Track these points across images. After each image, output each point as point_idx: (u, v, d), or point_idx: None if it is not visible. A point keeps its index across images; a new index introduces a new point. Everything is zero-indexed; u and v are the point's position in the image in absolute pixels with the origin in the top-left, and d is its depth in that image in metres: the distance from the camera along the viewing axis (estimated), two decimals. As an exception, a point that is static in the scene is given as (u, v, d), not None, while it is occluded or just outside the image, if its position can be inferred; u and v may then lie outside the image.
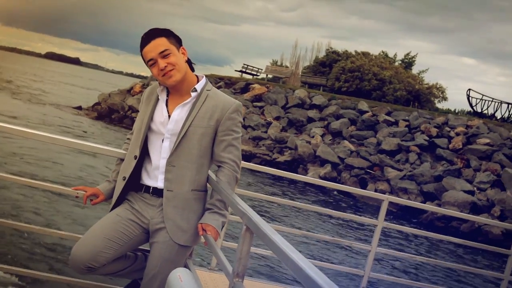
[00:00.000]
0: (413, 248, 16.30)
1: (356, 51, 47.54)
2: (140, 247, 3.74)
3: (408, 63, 49.96)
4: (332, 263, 9.86)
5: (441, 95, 44.14)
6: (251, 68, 43.82)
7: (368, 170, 25.50)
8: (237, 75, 43.07)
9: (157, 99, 3.64)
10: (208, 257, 8.46)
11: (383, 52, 50.18)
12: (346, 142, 28.00)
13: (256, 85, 35.86)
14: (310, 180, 5.91)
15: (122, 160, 3.78)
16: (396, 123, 29.58)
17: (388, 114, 30.76)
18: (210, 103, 3.50)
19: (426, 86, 44.00)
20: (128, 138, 3.90)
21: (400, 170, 25.01)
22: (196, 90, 3.53)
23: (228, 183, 3.46)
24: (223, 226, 3.43)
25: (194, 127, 3.44)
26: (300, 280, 1.88)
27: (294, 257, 1.98)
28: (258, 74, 44.41)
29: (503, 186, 22.47)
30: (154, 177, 3.56)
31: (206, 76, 3.70)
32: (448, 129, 27.59)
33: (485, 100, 34.89)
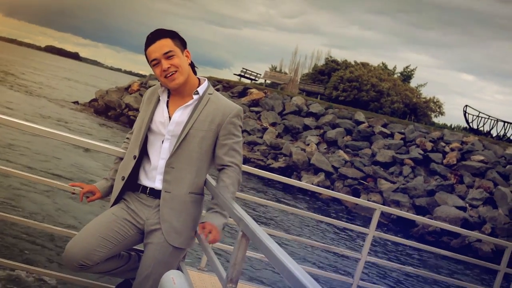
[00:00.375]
0: (403, 259, 16.31)
1: (355, 61, 47.57)
2: (134, 247, 3.75)
3: (407, 76, 50.02)
4: (321, 268, 9.87)
5: (438, 110, 44.20)
6: (250, 72, 43.84)
7: (361, 181, 25.51)
8: (235, 78, 43.09)
9: (158, 100, 3.65)
10: (193, 255, 8.44)
11: (382, 63, 50.26)
12: (341, 152, 28.01)
13: (254, 90, 35.87)
14: (305, 185, 5.92)
15: (121, 159, 3.79)
16: (391, 136, 29.60)
17: (384, 126, 30.79)
18: (212, 106, 3.52)
19: (423, 99, 44.05)
20: (127, 138, 3.91)
21: (393, 183, 25.03)
22: (198, 93, 3.55)
23: (232, 185, 3.46)
24: (223, 228, 3.39)
25: (195, 130, 3.45)
26: (295, 290, 1.89)
27: (291, 266, 1.99)
28: (257, 79, 44.43)
29: (495, 204, 22.50)
30: (152, 178, 3.57)
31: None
32: (443, 144, 27.62)
33: (482, 117, 34.94)
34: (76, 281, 4.10)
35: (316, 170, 26.25)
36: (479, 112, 35.23)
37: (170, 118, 3.53)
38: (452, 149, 26.98)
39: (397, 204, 23.07)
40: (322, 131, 30.89)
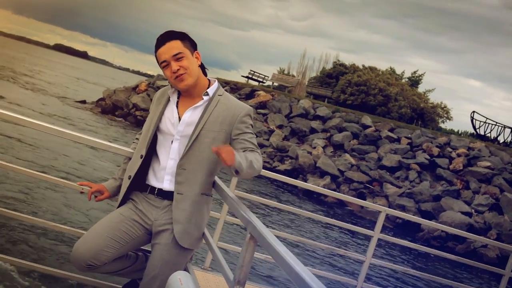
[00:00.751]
0: (408, 262, 16.29)
1: (363, 65, 47.55)
2: (141, 247, 3.76)
3: (415, 81, 49.97)
4: (326, 270, 9.87)
5: (445, 115, 44.12)
6: (258, 74, 43.80)
7: (367, 185, 25.50)
8: (243, 80, 43.07)
9: (168, 100, 3.66)
10: (200, 254, 8.45)
11: (390, 68, 50.24)
12: (347, 155, 27.99)
13: (261, 92, 35.87)
14: (311, 187, 5.92)
15: (130, 159, 3.80)
16: (398, 140, 29.56)
17: (391, 130, 30.77)
18: (222, 107, 3.52)
19: (431, 105, 43.96)
20: (136, 138, 3.92)
21: (399, 187, 25.01)
22: (208, 94, 3.55)
23: (252, 161, 3.25)
24: (238, 172, 3.10)
25: (206, 131, 3.46)
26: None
27: (298, 268, 2.01)
28: (264, 81, 44.39)
29: (501, 210, 22.47)
30: (160, 178, 3.58)
31: None
32: (449, 149, 27.58)
33: (489, 124, 34.87)
34: (83, 281, 4.12)
35: (322, 173, 26.24)
36: (487, 118, 35.18)
37: (180, 118, 3.54)
38: (458, 155, 26.93)
39: (402, 208, 23.05)
40: (328, 134, 30.88)
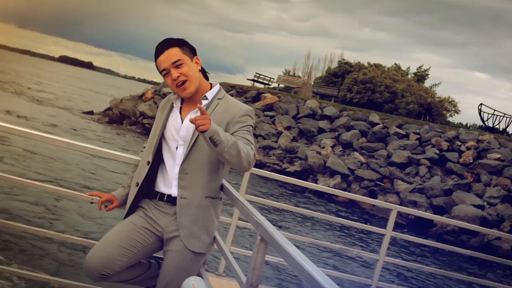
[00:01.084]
0: (422, 259, 16.24)
1: (368, 63, 47.49)
2: (154, 254, 3.76)
3: (421, 76, 49.84)
4: (339, 270, 9.86)
5: (453, 109, 43.97)
6: (263, 77, 43.87)
7: (378, 182, 25.46)
8: (249, 83, 43.12)
9: (172, 107, 3.67)
10: (214, 260, 8.46)
11: (396, 64, 50.11)
12: (356, 154, 27.97)
13: (267, 94, 35.88)
14: (321, 188, 5.92)
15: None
16: (407, 136, 29.52)
17: (399, 126, 30.72)
18: (220, 110, 3.50)
19: (438, 99, 43.84)
20: (144, 146, 3.93)
21: (410, 183, 24.95)
22: (207, 98, 3.55)
23: (240, 147, 3.16)
24: (216, 143, 3.01)
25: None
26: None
27: (310, 269, 2.00)
28: (270, 83, 44.45)
29: (513, 202, 22.39)
30: (168, 184, 3.57)
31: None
32: (459, 143, 27.52)
33: (497, 115, 34.78)
34: (97, 291, 4.12)
35: (332, 173, 26.22)
36: (494, 110, 35.09)
37: (182, 124, 3.55)
38: (468, 148, 26.87)
39: (414, 204, 22.99)
40: (337, 133, 30.88)
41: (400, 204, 23.19)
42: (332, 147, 29.32)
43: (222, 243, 3.57)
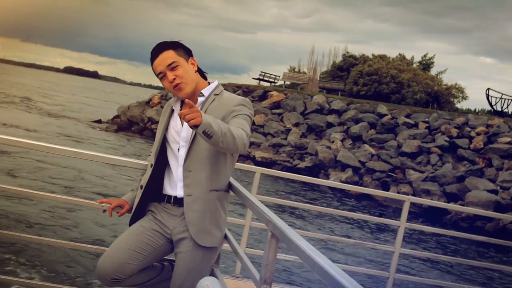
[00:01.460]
0: (438, 249, 16.20)
1: (373, 54, 47.45)
2: (166, 257, 3.76)
3: (426, 64, 49.73)
4: (355, 264, 9.85)
5: (460, 95, 43.84)
6: (269, 75, 43.86)
7: (389, 173, 25.41)
8: (255, 83, 43.17)
9: (172, 110, 3.69)
10: (232, 264, 8.48)
11: (400, 54, 50.02)
12: (366, 146, 27.92)
13: (274, 92, 35.88)
14: (332, 184, 5.93)
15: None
16: (416, 125, 29.44)
17: (408, 116, 30.65)
18: (216, 104, 3.51)
19: (445, 87, 43.72)
20: (151, 151, 3.95)
21: (422, 172, 24.88)
22: (203, 95, 3.56)
23: (231, 129, 3.09)
24: (210, 135, 2.91)
25: None
26: (329, 286, 1.88)
27: (321, 262, 1.98)
28: (276, 81, 44.44)
29: (527, 184, 22.29)
30: (174, 186, 3.58)
31: (224, 85, 3.69)
32: (468, 129, 27.41)
33: (505, 99, 34.59)
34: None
35: (344, 167, 26.20)
36: (502, 94, 34.89)
37: (182, 125, 3.56)
38: (478, 133, 26.76)
39: (427, 193, 22.93)
40: (345, 127, 30.85)
41: (413, 194, 23.17)
42: (342, 140, 29.29)
43: (235, 242, 3.57)
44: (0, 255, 8.72)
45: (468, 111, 38.97)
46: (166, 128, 3.66)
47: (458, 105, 44.46)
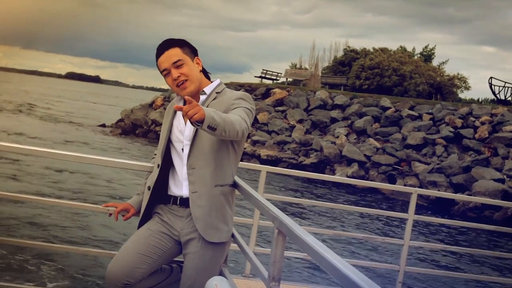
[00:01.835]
0: (447, 239, 16.18)
1: (374, 48, 47.38)
2: (175, 259, 3.75)
3: (427, 56, 49.62)
4: (365, 259, 9.86)
5: (463, 85, 43.77)
6: (271, 73, 43.80)
7: (395, 166, 25.38)
8: (257, 81, 43.13)
9: (175, 110, 3.67)
10: (243, 264, 8.48)
11: (401, 47, 49.93)
12: (371, 140, 27.89)
13: (276, 90, 35.85)
14: (338, 179, 5.93)
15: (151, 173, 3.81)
16: (420, 117, 29.38)
17: (411, 108, 30.59)
18: (217, 101, 3.51)
19: (447, 77, 43.65)
20: (155, 153, 3.93)
21: (428, 164, 24.84)
22: (205, 93, 3.56)
23: (229, 117, 3.08)
24: (214, 128, 2.90)
25: None
26: (338, 281, 1.86)
27: (329, 257, 1.97)
28: (278, 78, 44.38)
29: (533, 172, 22.24)
30: (180, 186, 3.57)
31: (226, 84, 3.68)
32: (472, 119, 27.35)
33: (508, 87, 34.49)
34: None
35: (349, 161, 26.17)
36: (505, 82, 34.78)
37: (186, 124, 3.55)
38: (482, 123, 26.71)
39: (434, 184, 22.90)
40: (349, 121, 30.82)
41: (420, 186, 23.14)
42: (346, 135, 29.25)
43: (243, 241, 3.56)
44: (13, 261, 8.75)
45: (471, 101, 38.85)
46: (170, 129, 3.65)
47: (461, 95, 44.37)
